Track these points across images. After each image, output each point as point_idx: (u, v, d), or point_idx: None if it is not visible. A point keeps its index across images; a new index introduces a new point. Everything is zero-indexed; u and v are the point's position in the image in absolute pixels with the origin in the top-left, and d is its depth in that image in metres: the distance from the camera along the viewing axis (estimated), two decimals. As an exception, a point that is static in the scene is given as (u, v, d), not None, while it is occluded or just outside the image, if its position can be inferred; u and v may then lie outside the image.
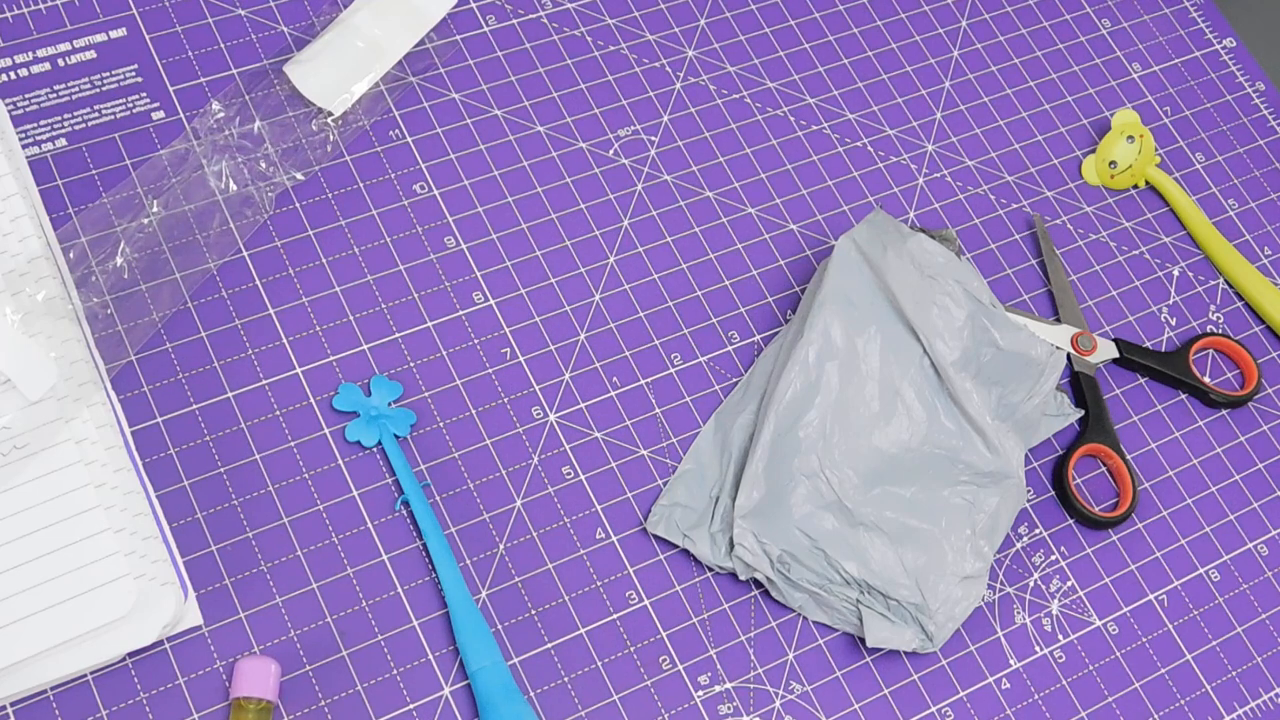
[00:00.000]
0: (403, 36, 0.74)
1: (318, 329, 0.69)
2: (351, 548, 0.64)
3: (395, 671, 0.63)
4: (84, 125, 0.71)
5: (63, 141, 0.70)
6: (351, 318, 0.69)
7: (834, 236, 0.77)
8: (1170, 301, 0.80)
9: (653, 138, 0.77)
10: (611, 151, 0.76)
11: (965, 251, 0.78)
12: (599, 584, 0.66)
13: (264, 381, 0.67)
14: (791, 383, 0.68)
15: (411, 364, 0.69)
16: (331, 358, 0.68)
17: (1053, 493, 0.73)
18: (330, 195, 0.72)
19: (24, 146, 0.70)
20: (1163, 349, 0.78)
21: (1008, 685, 0.68)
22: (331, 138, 0.72)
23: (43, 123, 0.70)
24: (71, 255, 0.67)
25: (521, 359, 0.70)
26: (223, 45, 0.74)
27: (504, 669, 0.62)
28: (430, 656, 0.63)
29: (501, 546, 0.66)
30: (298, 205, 0.71)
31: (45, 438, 0.61)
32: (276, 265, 0.70)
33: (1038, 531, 0.72)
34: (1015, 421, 0.71)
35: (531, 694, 0.63)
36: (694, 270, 0.74)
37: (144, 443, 0.65)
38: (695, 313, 0.73)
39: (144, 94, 0.72)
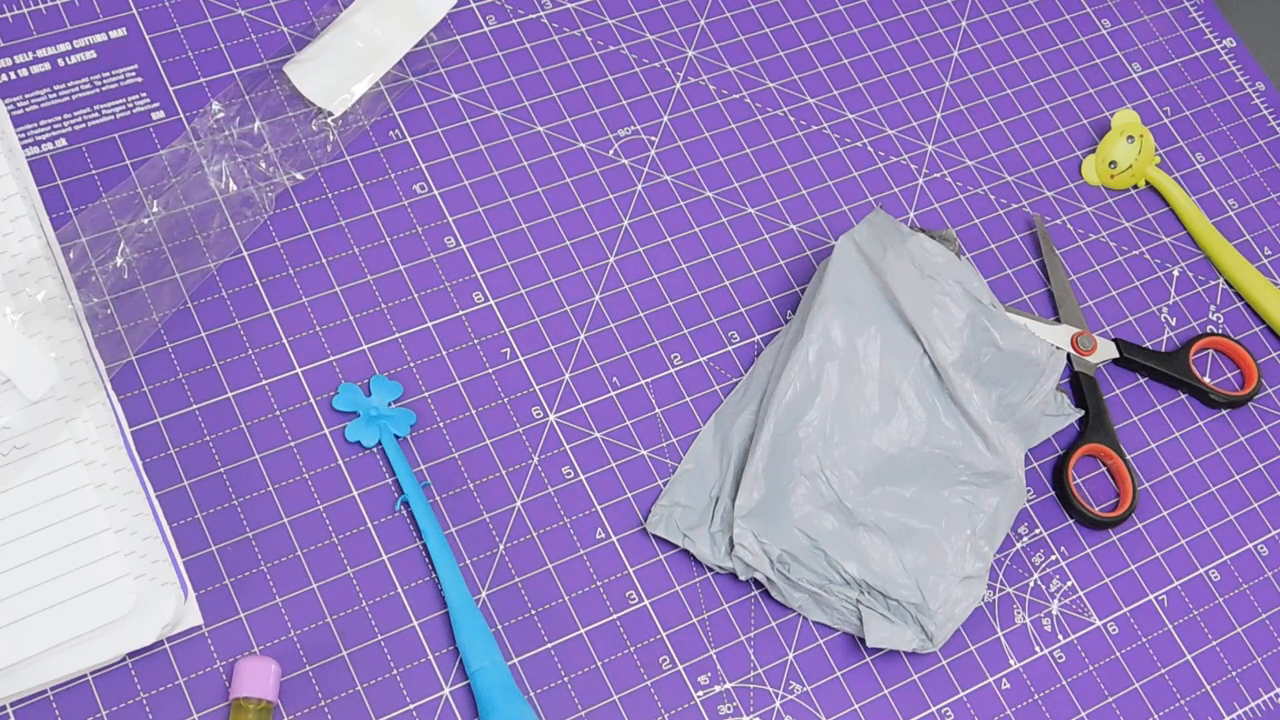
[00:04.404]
0: (403, 36, 0.74)
1: (318, 329, 0.69)
2: (351, 548, 0.64)
3: (395, 671, 0.63)
4: (84, 125, 0.71)
5: (63, 141, 0.70)
6: (351, 318, 0.69)
7: (834, 236, 0.77)
8: (1170, 301, 0.80)
9: (653, 138, 0.77)
10: (611, 151, 0.76)
11: (965, 251, 0.78)
12: (599, 584, 0.66)
13: (264, 381, 0.67)
14: (791, 383, 0.68)
15: (411, 364, 0.69)
16: (331, 358, 0.68)
17: (1053, 493, 0.73)
18: (330, 195, 0.72)
19: (24, 146, 0.70)
20: (1163, 349, 0.78)
21: (1008, 685, 0.68)
22: (331, 138, 0.73)
23: (43, 123, 0.70)
24: (71, 255, 0.67)
25: (521, 359, 0.70)
26: (223, 45, 0.74)
27: (504, 669, 0.62)
28: (430, 656, 0.63)
29: (501, 546, 0.66)
30: (298, 205, 0.71)
31: (45, 438, 0.61)
32: (276, 265, 0.70)
33: (1038, 531, 0.72)
34: (1015, 421, 0.71)
35: (531, 694, 0.63)
36: (694, 270, 0.74)
37: (144, 443, 0.65)
38: (695, 313, 0.73)
39: (144, 94, 0.72)
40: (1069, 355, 0.75)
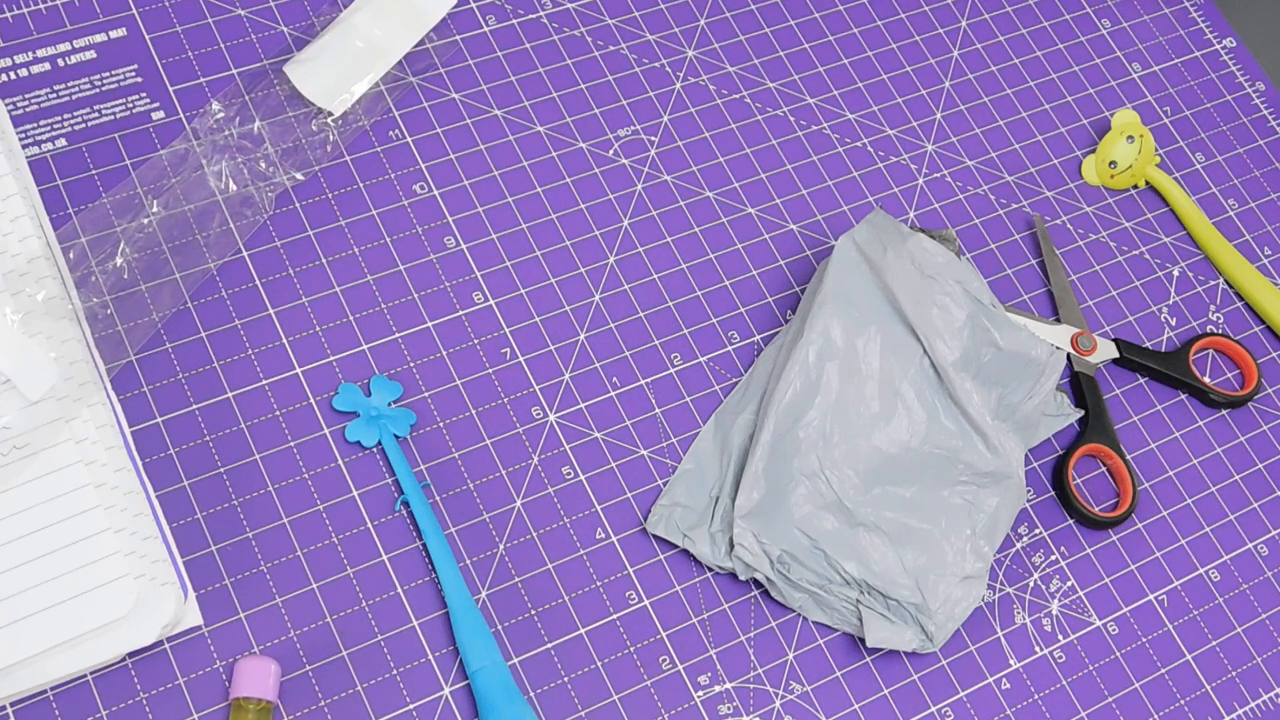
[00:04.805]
0: (403, 36, 0.74)
1: (318, 329, 0.69)
2: (351, 548, 0.65)
3: (395, 671, 0.63)
4: (84, 125, 0.71)
5: (63, 141, 0.70)
6: (351, 318, 0.69)
7: (834, 236, 0.77)
8: (1170, 301, 0.80)
9: (653, 138, 0.77)
10: (611, 151, 0.76)
11: (965, 251, 0.78)
12: (599, 584, 0.66)
13: (264, 381, 0.67)
14: (791, 383, 0.68)
15: (411, 364, 0.69)
16: (331, 358, 0.68)
17: (1053, 493, 0.73)
18: (330, 195, 0.72)
19: (24, 146, 0.70)
20: (1163, 349, 0.78)
21: (1008, 685, 0.68)
22: (331, 138, 0.73)
23: (43, 123, 0.70)
24: (71, 255, 0.67)
25: (521, 359, 0.70)
26: (223, 45, 0.74)
27: (504, 669, 0.62)
28: (430, 656, 0.63)
29: (501, 546, 0.66)
30: (298, 205, 0.71)
31: (45, 438, 0.61)
32: (276, 265, 0.70)
33: (1038, 531, 0.72)
34: (1015, 421, 0.71)
35: (531, 694, 0.63)
36: (694, 270, 0.74)
37: (144, 443, 0.65)
38: (695, 313, 0.73)
39: (144, 94, 0.72)
40: (1069, 355, 0.75)
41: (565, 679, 0.64)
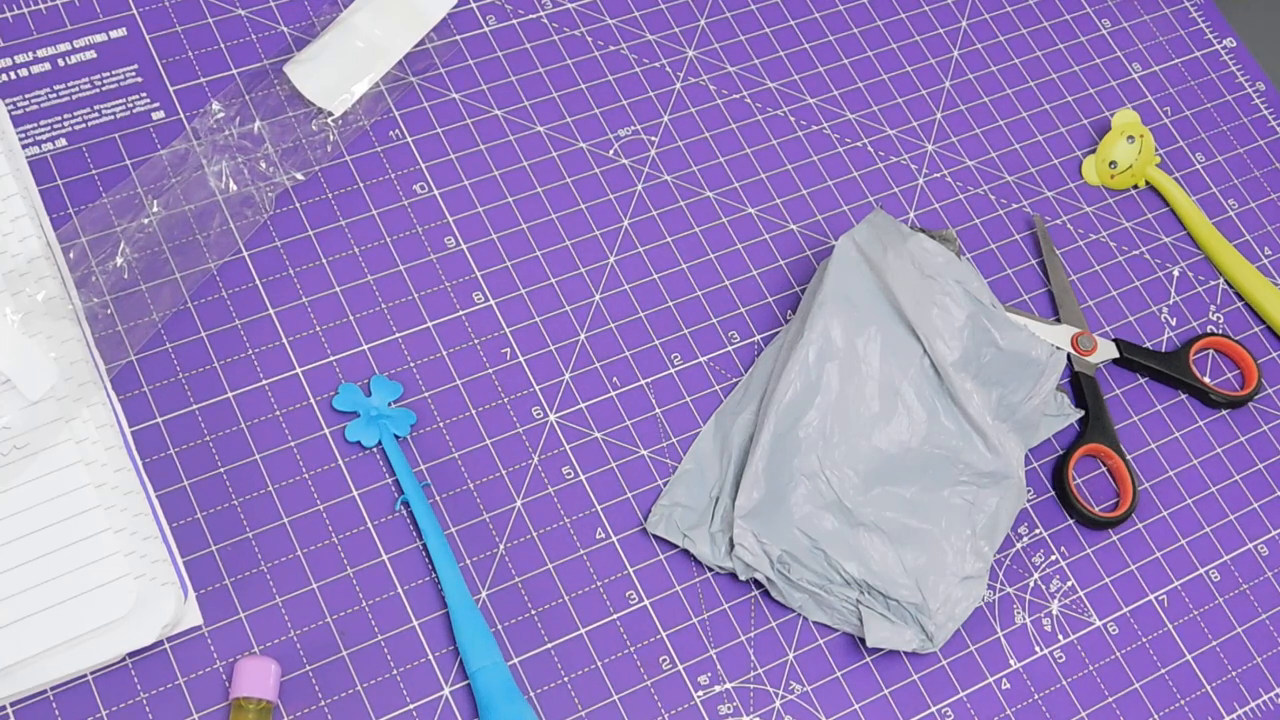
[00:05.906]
0: (403, 36, 0.74)
1: (318, 329, 0.69)
2: (351, 548, 0.65)
3: (395, 671, 0.63)
4: (84, 125, 0.71)
5: (63, 141, 0.70)
6: (351, 318, 0.69)
7: (834, 236, 0.77)
8: (1170, 301, 0.80)
9: (653, 138, 0.77)
10: (611, 151, 0.76)
11: (965, 251, 0.78)
12: (599, 584, 0.66)
13: (264, 381, 0.67)
14: (791, 383, 0.68)
15: (411, 364, 0.69)
16: (331, 358, 0.68)
17: (1053, 493, 0.73)
18: (330, 195, 0.72)
19: (24, 146, 0.70)
20: (1163, 349, 0.78)
21: (1008, 685, 0.68)
22: (331, 138, 0.73)
23: (43, 123, 0.70)
24: (71, 255, 0.67)
25: (521, 359, 0.70)
26: (223, 45, 0.74)
27: (504, 669, 0.62)
28: (430, 656, 0.63)
29: (501, 546, 0.66)
30: (298, 205, 0.71)
31: (45, 438, 0.61)
32: (276, 265, 0.70)
33: (1038, 531, 0.72)
34: (1015, 421, 0.71)
35: (531, 694, 0.63)
36: (694, 270, 0.74)
37: (144, 443, 0.65)
38: (695, 313, 0.73)
39: (144, 94, 0.72)
40: (1069, 355, 0.75)
41: (565, 679, 0.64)
